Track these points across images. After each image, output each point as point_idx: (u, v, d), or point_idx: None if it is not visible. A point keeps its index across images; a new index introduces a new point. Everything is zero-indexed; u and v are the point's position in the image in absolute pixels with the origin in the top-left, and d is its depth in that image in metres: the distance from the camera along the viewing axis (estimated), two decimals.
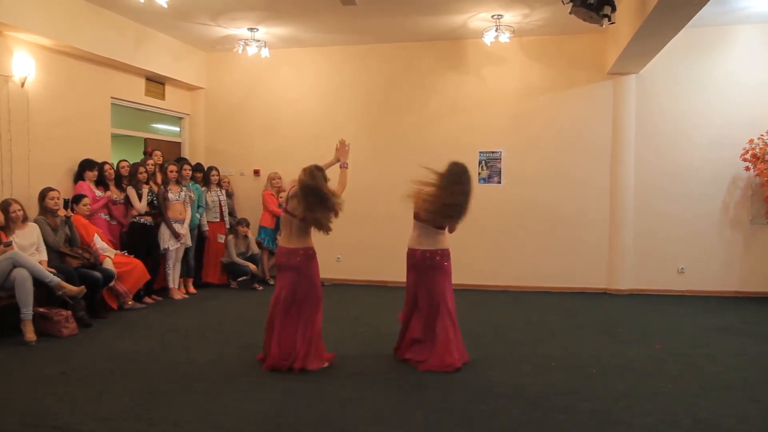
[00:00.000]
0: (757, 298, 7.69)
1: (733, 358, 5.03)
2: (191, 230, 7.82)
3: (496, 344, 5.49)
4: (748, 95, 7.76)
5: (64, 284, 5.58)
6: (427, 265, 4.78)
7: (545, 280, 8.36)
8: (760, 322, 6.42)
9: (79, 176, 7.02)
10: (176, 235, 7.36)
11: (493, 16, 7.38)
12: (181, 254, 7.61)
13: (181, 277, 7.77)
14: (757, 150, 7.46)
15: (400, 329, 5.00)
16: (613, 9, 5.52)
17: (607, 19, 5.52)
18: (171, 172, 7.51)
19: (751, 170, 7.58)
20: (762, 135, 7.47)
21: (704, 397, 4.08)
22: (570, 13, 5.68)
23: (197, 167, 8.48)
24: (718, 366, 4.81)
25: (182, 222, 7.47)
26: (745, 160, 7.57)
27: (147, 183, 7.34)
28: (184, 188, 7.62)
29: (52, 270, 5.67)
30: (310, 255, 4.76)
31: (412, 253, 4.89)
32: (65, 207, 6.38)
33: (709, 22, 7.44)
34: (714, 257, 7.98)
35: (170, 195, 7.40)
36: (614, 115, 8.15)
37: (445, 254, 4.82)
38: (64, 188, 6.73)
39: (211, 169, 8.50)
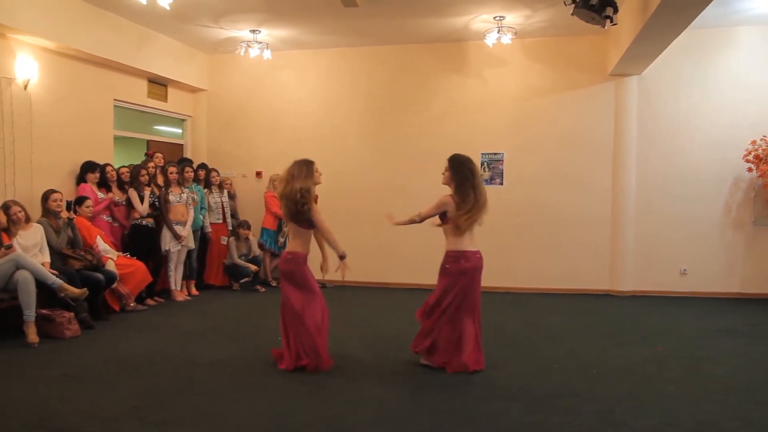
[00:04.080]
0: (759, 300, 7.67)
1: (735, 360, 5.02)
2: (194, 232, 7.81)
3: (498, 346, 5.47)
4: (750, 96, 7.75)
5: (67, 286, 5.59)
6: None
7: (547, 281, 8.36)
8: (763, 324, 6.41)
9: (81, 178, 7.03)
10: (177, 237, 7.36)
11: (495, 18, 7.39)
12: (183, 256, 7.62)
13: (183, 278, 7.78)
14: (760, 151, 7.46)
15: (424, 330, 4.79)
16: (615, 10, 5.53)
17: (609, 20, 5.53)
18: (171, 173, 7.51)
19: (754, 171, 7.57)
20: (765, 136, 7.47)
21: (706, 399, 4.08)
22: (572, 14, 5.69)
23: (201, 167, 8.50)
24: (721, 368, 4.80)
25: (184, 224, 7.46)
26: (747, 161, 7.57)
27: (149, 185, 7.35)
28: (186, 190, 7.62)
29: (55, 272, 5.68)
30: (289, 259, 4.75)
31: (461, 256, 4.69)
32: (68, 209, 6.39)
33: (711, 24, 7.43)
34: (716, 259, 7.97)
35: (171, 197, 7.39)
36: (616, 116, 8.16)
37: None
38: (66, 190, 6.74)
39: (210, 170, 8.52)
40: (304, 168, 4.72)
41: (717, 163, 7.87)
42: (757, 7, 6.88)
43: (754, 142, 7.51)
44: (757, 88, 7.74)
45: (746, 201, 7.88)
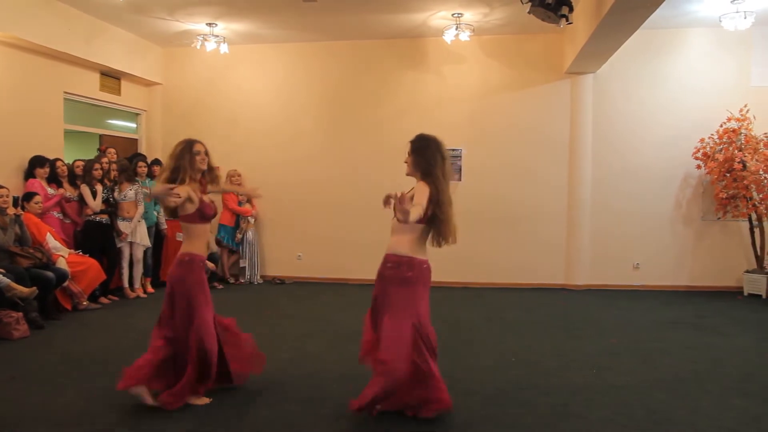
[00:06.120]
0: (707, 292, 7.94)
1: (685, 351, 5.18)
2: (149, 228, 7.65)
3: (456, 341, 5.52)
4: (698, 95, 8.00)
5: (15, 285, 5.41)
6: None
7: (504, 276, 8.47)
8: (710, 316, 6.64)
9: (29, 173, 6.80)
10: (118, 234, 7.23)
11: (453, 15, 7.44)
12: (139, 253, 7.46)
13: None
14: (708, 149, 7.71)
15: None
16: (571, 9, 5.63)
17: (564, 19, 5.63)
18: (113, 170, 7.37)
19: (702, 168, 7.83)
20: (712, 134, 7.71)
21: (658, 389, 4.20)
22: (528, 12, 5.76)
23: (155, 162, 8.31)
24: (671, 358, 4.95)
25: (129, 220, 7.29)
26: (696, 158, 7.82)
27: (101, 181, 7.16)
28: (135, 186, 7.43)
29: (1, 270, 5.48)
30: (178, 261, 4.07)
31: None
32: (15, 205, 6.17)
33: (661, 25, 7.64)
34: (667, 253, 8.21)
35: (116, 194, 7.24)
36: (572, 114, 8.31)
37: None
38: (13, 186, 6.49)
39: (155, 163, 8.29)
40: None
41: (667, 161, 8.11)
42: (702, 9, 7.11)
43: (702, 140, 7.75)
44: (704, 88, 7.99)
45: (695, 197, 8.14)
